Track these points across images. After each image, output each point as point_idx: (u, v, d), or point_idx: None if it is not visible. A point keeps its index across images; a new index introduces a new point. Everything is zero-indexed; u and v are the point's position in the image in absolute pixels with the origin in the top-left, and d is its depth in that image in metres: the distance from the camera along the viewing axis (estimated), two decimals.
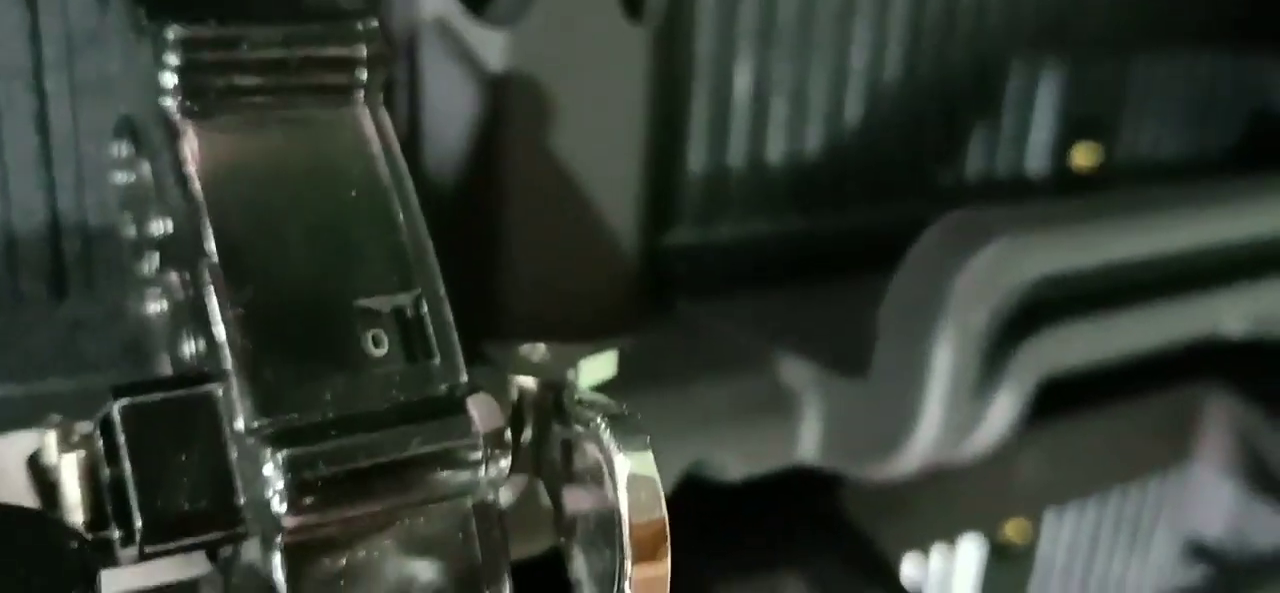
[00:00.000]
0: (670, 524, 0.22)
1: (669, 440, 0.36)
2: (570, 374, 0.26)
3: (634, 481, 0.21)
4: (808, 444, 0.37)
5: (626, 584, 0.21)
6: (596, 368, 0.27)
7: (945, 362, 0.33)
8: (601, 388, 0.27)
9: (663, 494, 0.21)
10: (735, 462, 0.37)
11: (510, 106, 0.35)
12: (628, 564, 0.21)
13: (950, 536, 0.49)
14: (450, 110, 0.36)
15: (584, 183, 0.37)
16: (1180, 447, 0.53)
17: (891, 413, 0.35)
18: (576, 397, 0.24)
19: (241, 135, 0.24)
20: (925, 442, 0.34)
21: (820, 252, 0.45)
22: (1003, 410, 0.35)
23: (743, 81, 0.42)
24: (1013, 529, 0.51)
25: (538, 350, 0.27)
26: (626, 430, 0.22)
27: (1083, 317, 0.36)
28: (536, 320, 0.37)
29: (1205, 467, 0.53)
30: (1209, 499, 0.53)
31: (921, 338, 0.33)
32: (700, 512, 0.40)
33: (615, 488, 0.21)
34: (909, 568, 0.50)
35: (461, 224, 0.38)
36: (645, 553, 0.21)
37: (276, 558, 0.22)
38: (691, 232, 0.43)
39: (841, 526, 0.43)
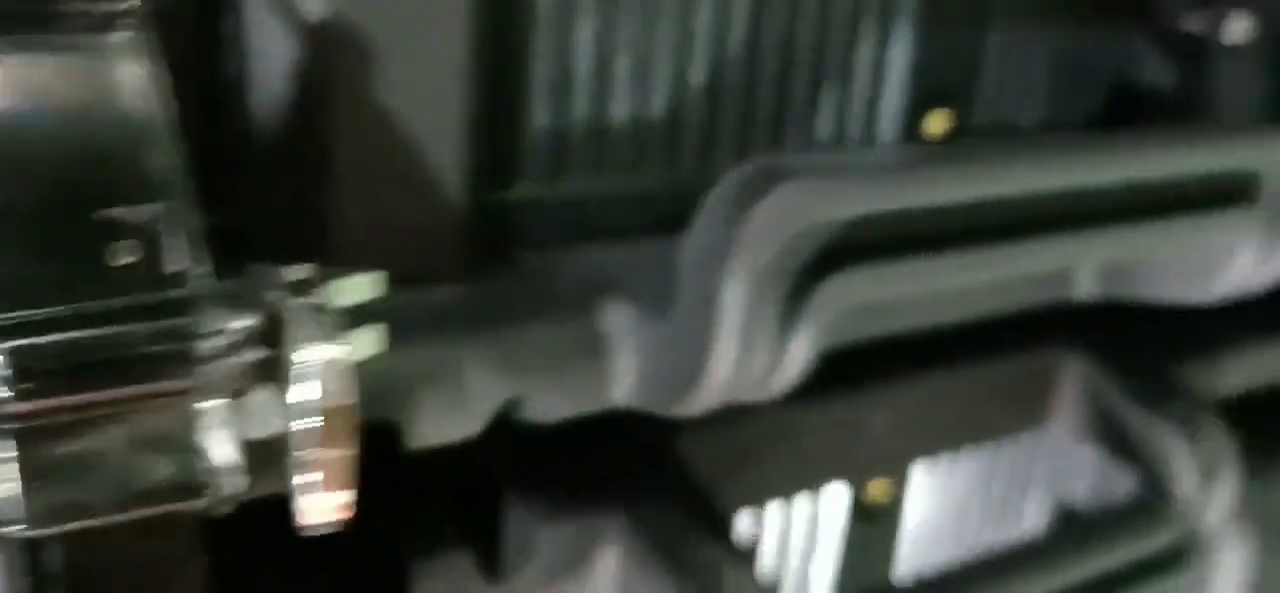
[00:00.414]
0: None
1: (482, 380, 0.37)
2: (322, 291, 0.27)
3: (326, 367, 0.22)
4: (622, 386, 0.38)
5: (311, 467, 0.22)
6: (355, 288, 0.28)
7: (735, 302, 0.35)
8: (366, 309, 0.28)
9: (356, 384, 0.22)
10: (552, 403, 0.38)
11: (331, 55, 0.37)
12: (315, 448, 0.22)
13: (801, 488, 0.50)
14: (275, 60, 0.37)
15: (409, 132, 0.38)
16: (1036, 409, 0.54)
17: (689, 352, 0.36)
18: (308, 305, 0.25)
19: (2, 55, 0.26)
20: (720, 379, 0.36)
21: (667, 210, 0.46)
22: (800, 350, 0.36)
23: (585, 39, 0.43)
24: (876, 489, 0.52)
25: (299, 271, 0.28)
26: (324, 320, 0.23)
27: (880, 259, 0.37)
28: (368, 269, 0.38)
29: (1064, 430, 0.54)
30: (1072, 463, 0.54)
31: (713, 279, 0.35)
32: (529, 456, 0.42)
33: (306, 372, 0.22)
34: (771, 526, 0.51)
35: (291, 174, 0.39)
36: (331, 437, 0.22)
37: (5, 447, 0.23)
38: (535, 186, 0.44)
39: (677, 474, 0.44)
